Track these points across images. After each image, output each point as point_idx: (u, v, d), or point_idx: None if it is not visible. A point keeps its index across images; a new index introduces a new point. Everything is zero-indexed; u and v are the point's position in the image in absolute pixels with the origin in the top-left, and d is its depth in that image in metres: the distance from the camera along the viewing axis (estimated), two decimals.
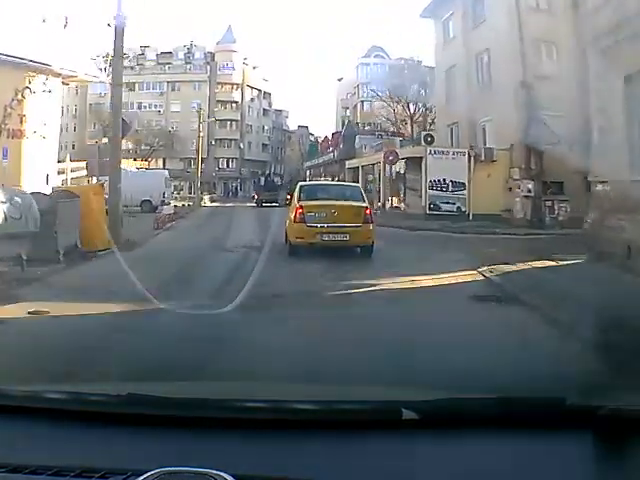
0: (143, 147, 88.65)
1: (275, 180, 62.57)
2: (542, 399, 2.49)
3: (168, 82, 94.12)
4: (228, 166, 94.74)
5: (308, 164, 66.58)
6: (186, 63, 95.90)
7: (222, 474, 1.87)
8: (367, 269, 13.45)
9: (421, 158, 29.98)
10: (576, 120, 27.82)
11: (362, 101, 78.90)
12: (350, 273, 12.62)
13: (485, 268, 13.12)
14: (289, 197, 20.12)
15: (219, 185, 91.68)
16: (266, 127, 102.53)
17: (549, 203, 26.66)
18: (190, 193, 79.70)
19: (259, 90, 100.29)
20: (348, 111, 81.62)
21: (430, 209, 29.43)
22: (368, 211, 15.89)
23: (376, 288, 10.80)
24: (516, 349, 6.83)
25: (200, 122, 57.75)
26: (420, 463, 2.06)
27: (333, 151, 52.83)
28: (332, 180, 45.68)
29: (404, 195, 32.94)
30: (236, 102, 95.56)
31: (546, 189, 27.52)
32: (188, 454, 2.03)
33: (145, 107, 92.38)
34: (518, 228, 24.79)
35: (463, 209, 29.38)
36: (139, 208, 38.81)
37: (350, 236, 15.20)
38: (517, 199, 27.41)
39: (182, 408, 2.36)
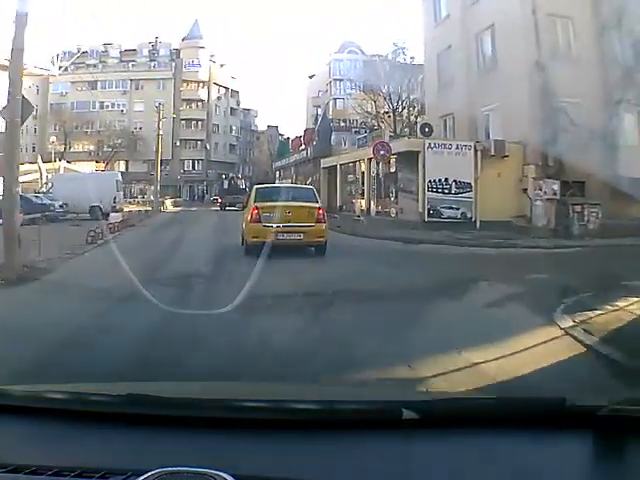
0: (105, 149, 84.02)
1: (239, 183, 57.53)
2: (542, 399, 2.49)
3: (131, 80, 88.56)
4: (194, 168, 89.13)
5: (278, 164, 60.31)
6: (150, 60, 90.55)
7: (222, 474, 1.84)
8: (382, 333, 7.38)
9: (418, 153, 24.38)
10: (597, 107, 23.33)
11: (335, 98, 74.63)
12: (356, 353, 6.39)
13: (570, 322, 7.96)
14: (246, 200, 19.89)
15: (184, 188, 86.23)
16: (234, 127, 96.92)
17: (578, 208, 21.41)
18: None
19: (226, 88, 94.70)
20: (320, 109, 76.50)
21: (429, 215, 23.96)
22: (321, 211, 16.23)
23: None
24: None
25: (160, 119, 52.31)
26: (420, 463, 2.03)
27: (306, 149, 47.00)
28: (305, 182, 41.89)
29: (396, 198, 27.45)
30: (202, 101, 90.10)
31: (566, 190, 22.59)
32: (188, 454, 2.01)
33: (107, 106, 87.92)
34: (542, 239, 19.64)
35: (469, 215, 23.96)
36: (88, 215, 33.58)
37: (304, 235, 15.59)
38: (538, 203, 22.10)
39: (182, 408, 2.33)
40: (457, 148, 24.28)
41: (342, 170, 35.59)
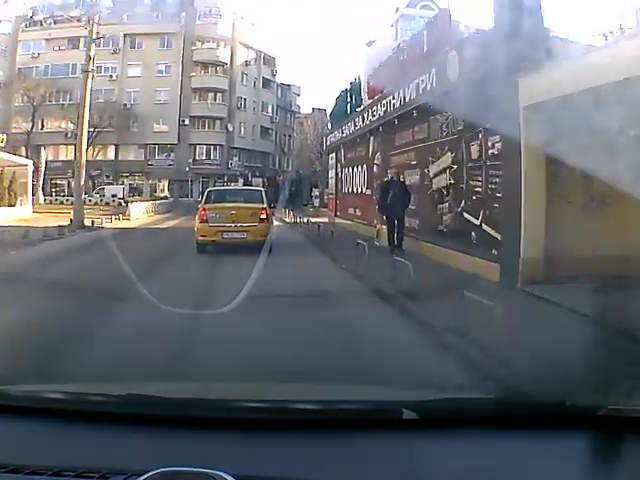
0: (87, 128, 56.70)
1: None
2: (542, 399, 2.45)
3: (125, 35, 60.42)
4: (209, 157, 60.93)
5: (333, 140, 29.97)
6: (152, 11, 62.53)
7: (222, 474, 1.77)
8: None
9: None
10: None
11: None
12: None
13: None
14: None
15: (196, 184, 58.26)
16: (268, 104, 68.80)
17: None
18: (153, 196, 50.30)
19: (258, 51, 66.54)
20: None
21: None
22: (264, 211, 16.57)
23: None
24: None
25: (92, 36, 24.76)
26: (420, 463, 1.95)
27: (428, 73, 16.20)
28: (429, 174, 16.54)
29: None
30: (223, 64, 62.06)
31: None
32: (188, 454, 1.93)
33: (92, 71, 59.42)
34: None
35: None
36: None
37: (247, 234, 15.97)
38: None
39: (182, 408, 2.24)
40: None
41: None
